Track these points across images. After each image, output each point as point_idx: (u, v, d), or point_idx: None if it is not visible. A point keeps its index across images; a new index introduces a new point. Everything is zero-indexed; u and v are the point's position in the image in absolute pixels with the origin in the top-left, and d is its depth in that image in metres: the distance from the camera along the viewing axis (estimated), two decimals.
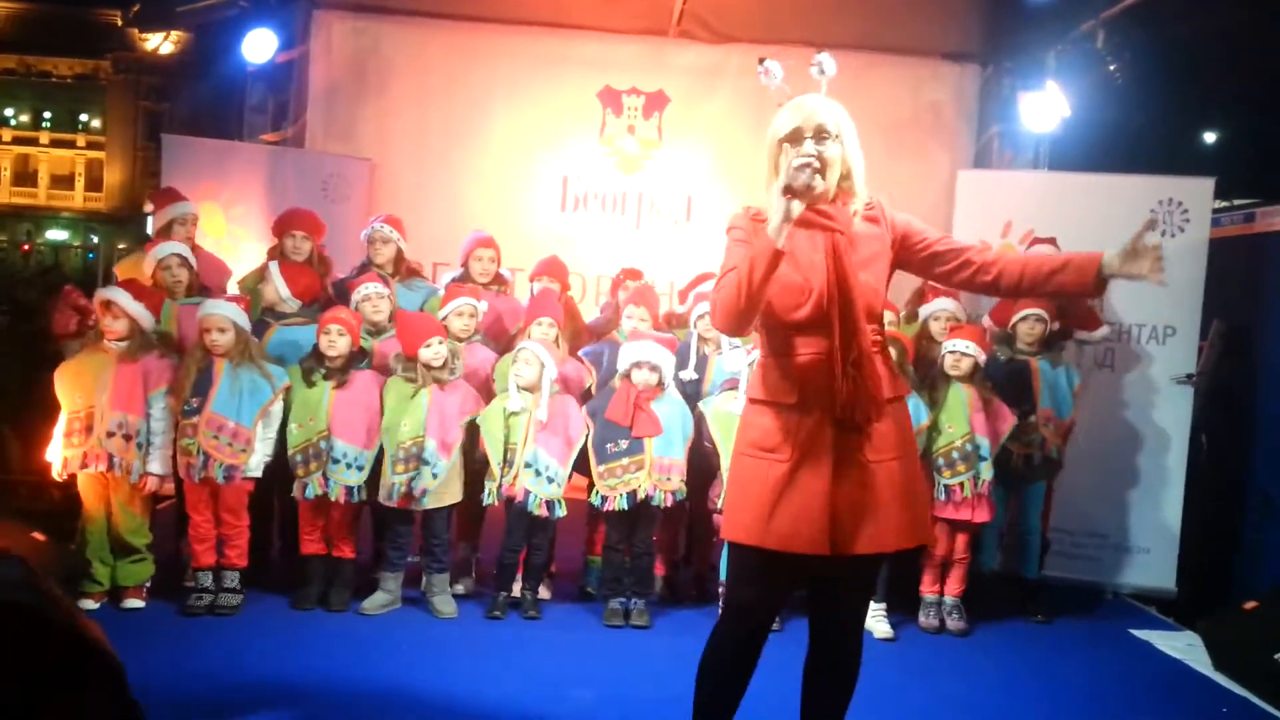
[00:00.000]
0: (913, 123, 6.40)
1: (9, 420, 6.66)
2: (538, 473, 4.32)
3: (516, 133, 6.60)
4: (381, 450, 4.34)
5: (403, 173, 6.48)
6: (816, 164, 2.33)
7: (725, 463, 4.18)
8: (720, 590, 4.38)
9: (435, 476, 4.28)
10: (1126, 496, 5.41)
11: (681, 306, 5.25)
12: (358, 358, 4.41)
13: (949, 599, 4.65)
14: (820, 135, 2.42)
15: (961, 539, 4.64)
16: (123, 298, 4.20)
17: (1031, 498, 4.95)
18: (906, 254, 2.55)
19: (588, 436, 4.38)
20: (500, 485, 4.34)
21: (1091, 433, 5.26)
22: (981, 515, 4.59)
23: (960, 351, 4.59)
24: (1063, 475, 5.08)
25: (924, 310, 5.05)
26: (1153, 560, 5.40)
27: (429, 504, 4.31)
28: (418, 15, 6.50)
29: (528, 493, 4.31)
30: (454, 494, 4.42)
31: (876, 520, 2.45)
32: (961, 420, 4.53)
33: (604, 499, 4.34)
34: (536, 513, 4.32)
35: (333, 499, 4.29)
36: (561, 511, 4.38)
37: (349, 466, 4.30)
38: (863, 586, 2.67)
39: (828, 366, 2.41)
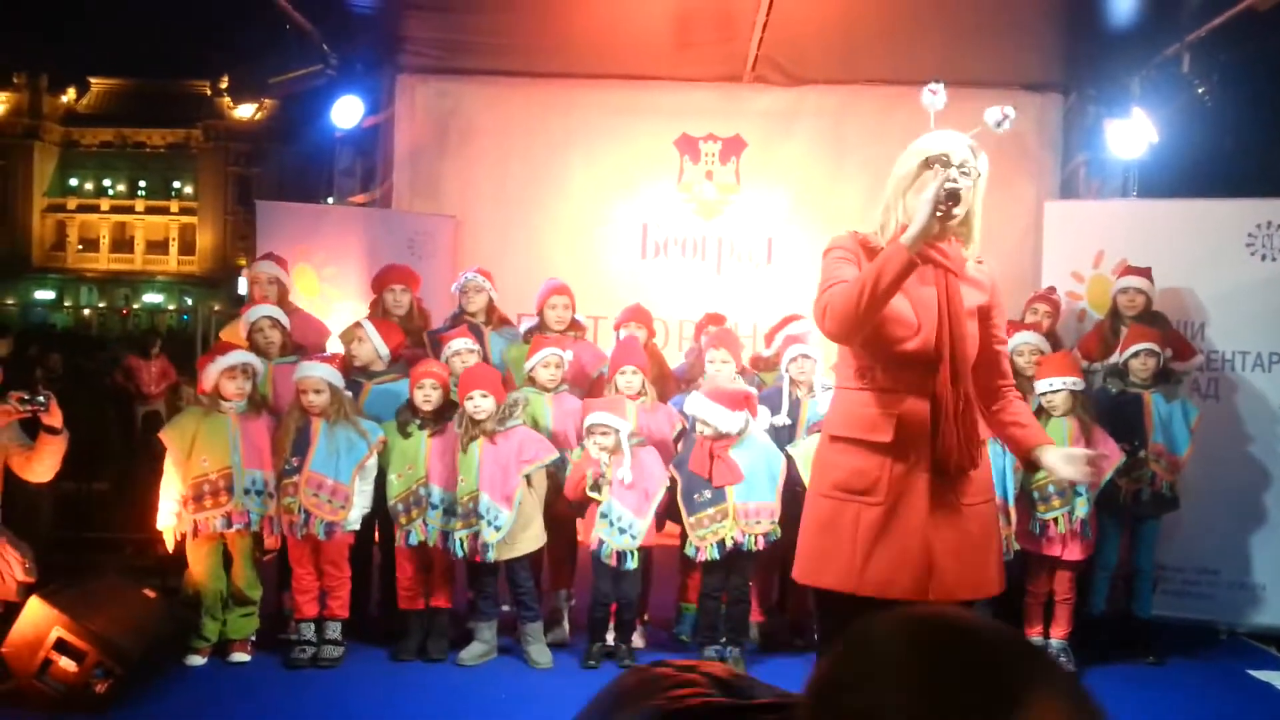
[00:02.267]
0: (996, 155, 6.17)
1: (111, 479, 6.91)
2: (611, 524, 4.32)
3: (595, 183, 6.69)
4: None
5: (485, 227, 6.60)
6: (962, 194, 2.32)
7: None
8: (818, 637, 4.31)
9: (497, 529, 4.28)
10: (1239, 530, 5.20)
11: (768, 350, 5.22)
12: (451, 408, 4.48)
13: (1055, 641, 4.51)
14: (964, 169, 2.40)
15: (1063, 578, 4.50)
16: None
17: (1144, 535, 4.78)
18: (983, 327, 2.52)
19: (677, 488, 4.36)
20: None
21: (1198, 465, 5.07)
22: (1074, 553, 4.45)
23: (1049, 392, 4.49)
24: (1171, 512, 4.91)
25: (1007, 345, 4.95)
26: (1270, 597, 5.16)
27: (496, 556, 4.32)
28: (497, 74, 6.65)
29: (601, 543, 4.32)
30: (530, 542, 4.42)
31: (973, 565, 2.39)
32: None
33: (696, 549, 4.32)
34: (607, 562, 4.32)
35: (431, 544, 4.34)
36: (633, 564, 4.36)
37: (445, 513, 4.37)
38: None
39: (931, 408, 2.37)
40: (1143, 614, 4.78)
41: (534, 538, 4.45)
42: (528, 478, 4.38)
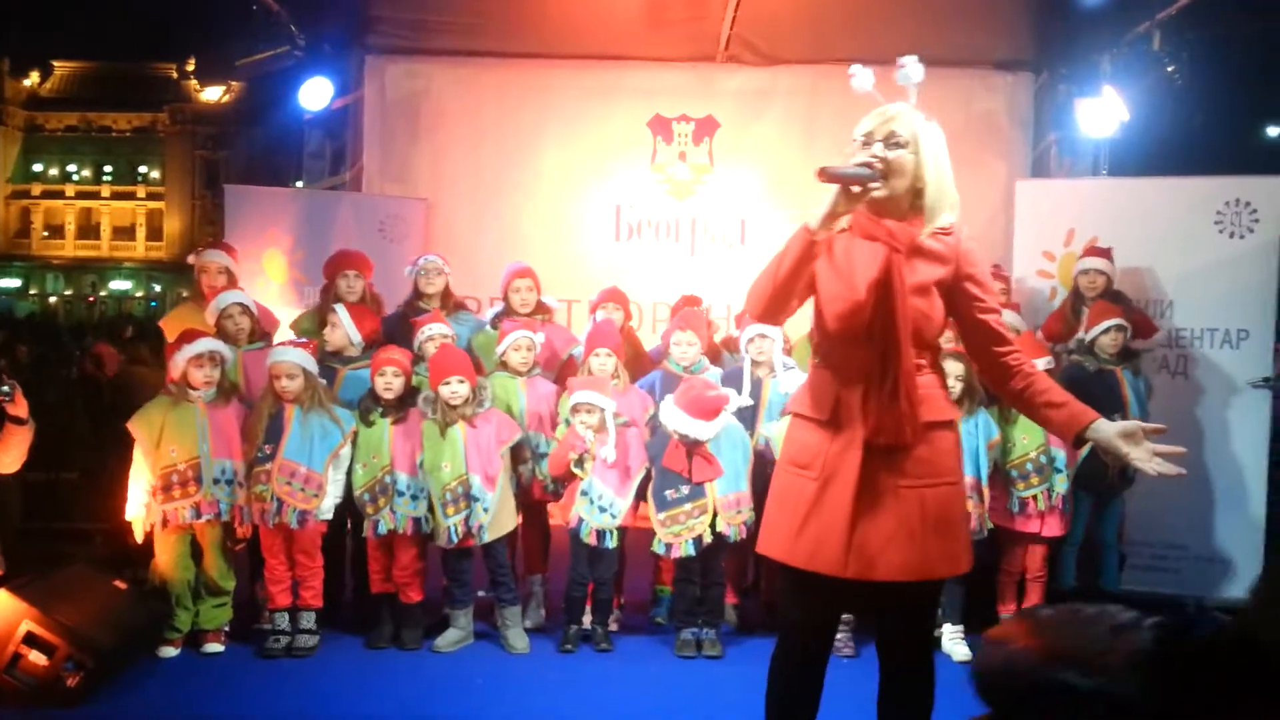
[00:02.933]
0: (966, 134, 6.32)
1: (80, 469, 6.82)
2: (591, 501, 4.32)
3: (568, 165, 6.65)
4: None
5: (458, 210, 6.55)
6: (878, 166, 2.30)
7: None
8: None
9: (486, 511, 4.29)
10: (1206, 506, 5.26)
11: (738, 331, 5.23)
12: (413, 395, 4.44)
13: None
14: (891, 141, 2.36)
15: (1037, 555, 4.54)
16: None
17: (1111, 511, 4.85)
18: (959, 299, 2.45)
19: (648, 472, 4.35)
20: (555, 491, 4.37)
21: (1167, 441, 5.10)
22: (1053, 529, 4.50)
23: None
24: (1139, 486, 4.96)
25: None
26: (1237, 570, 5.23)
27: (489, 537, 4.32)
28: (468, 55, 6.58)
29: (580, 521, 4.31)
30: (507, 523, 4.43)
31: (908, 547, 2.37)
32: (1037, 431, 4.44)
33: (668, 546, 4.29)
34: (586, 540, 4.31)
35: (400, 532, 4.31)
36: (612, 542, 4.36)
37: (412, 499, 4.34)
38: (918, 614, 2.56)
39: (864, 385, 2.38)
40: (1111, 588, 4.84)
41: (511, 517, 4.46)
42: (504, 457, 4.38)
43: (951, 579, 4.30)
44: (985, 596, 4.50)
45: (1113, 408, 4.67)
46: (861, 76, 2.51)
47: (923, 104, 2.48)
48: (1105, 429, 2.38)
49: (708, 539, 4.27)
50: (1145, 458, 2.35)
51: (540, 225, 6.57)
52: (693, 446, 4.25)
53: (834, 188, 2.30)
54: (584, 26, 6.14)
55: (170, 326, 4.88)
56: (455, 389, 4.28)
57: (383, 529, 4.32)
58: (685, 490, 4.27)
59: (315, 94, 6.30)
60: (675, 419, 4.22)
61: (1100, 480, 4.67)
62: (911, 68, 2.50)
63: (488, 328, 5.04)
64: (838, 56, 6.25)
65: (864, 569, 2.36)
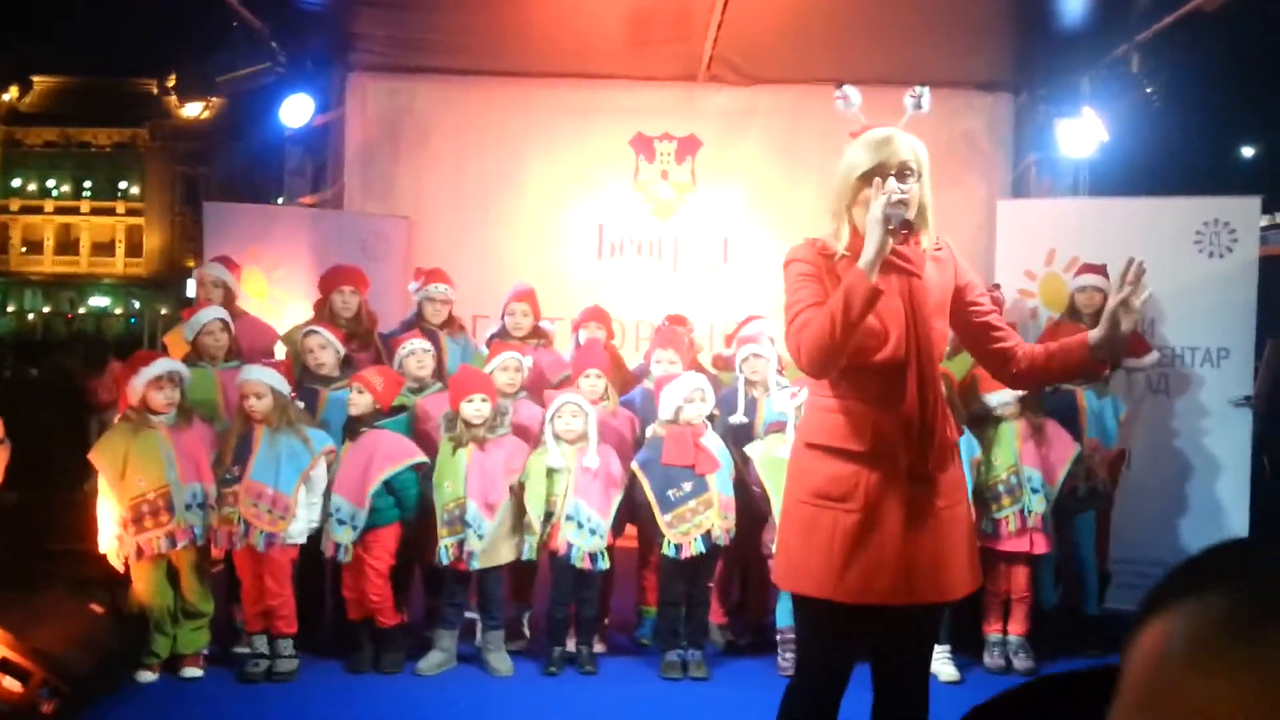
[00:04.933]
0: (947, 154, 6.35)
1: (56, 488, 6.73)
2: (579, 525, 4.27)
3: (551, 183, 6.64)
4: (429, 508, 4.32)
5: (440, 228, 6.52)
6: (909, 201, 2.29)
7: (776, 507, 4.12)
8: (778, 638, 4.31)
9: (480, 538, 4.22)
10: (1190, 523, 5.28)
11: (728, 350, 5.22)
12: (378, 415, 4.35)
13: (1014, 638, 4.54)
14: (904, 173, 2.35)
15: (1020, 575, 4.54)
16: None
17: (1082, 530, 4.85)
18: (960, 308, 2.50)
19: (645, 488, 4.32)
20: (541, 540, 4.30)
21: (1149, 460, 5.16)
22: (1039, 547, 4.50)
23: (1000, 405, 4.52)
24: (1123, 504, 4.98)
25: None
26: None
27: (478, 565, 4.26)
28: (450, 73, 6.57)
29: (570, 546, 4.27)
30: (506, 553, 4.35)
31: (949, 567, 2.40)
32: (1008, 452, 4.45)
33: (679, 547, 4.26)
34: (580, 566, 4.27)
35: (326, 555, 4.24)
36: (605, 564, 4.33)
37: (341, 523, 4.21)
38: (929, 633, 2.59)
39: (903, 414, 2.36)
40: (1089, 609, 4.84)
41: (513, 548, 4.37)
42: (511, 488, 4.32)
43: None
44: (971, 616, 4.49)
45: (1067, 428, 4.69)
46: (850, 97, 2.50)
47: (906, 126, 2.48)
48: (1097, 333, 2.36)
49: (716, 534, 4.24)
50: (1127, 313, 2.31)
51: (523, 243, 6.56)
52: (696, 435, 4.25)
53: (877, 233, 2.25)
54: (567, 45, 6.15)
55: (173, 342, 4.84)
56: (479, 407, 4.25)
57: (342, 556, 4.23)
58: (688, 487, 4.25)
59: (296, 111, 6.27)
60: (687, 382, 4.29)
61: (1066, 497, 4.68)
62: (852, 99, 2.49)
63: (481, 348, 5.02)
64: (819, 77, 6.31)
65: (922, 594, 2.37)
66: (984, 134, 6.55)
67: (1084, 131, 5.99)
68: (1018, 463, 4.45)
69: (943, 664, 4.35)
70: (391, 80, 6.61)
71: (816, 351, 2.30)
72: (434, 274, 5.14)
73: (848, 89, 2.51)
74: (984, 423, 4.55)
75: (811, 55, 6.18)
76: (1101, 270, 5.11)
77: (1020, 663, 4.48)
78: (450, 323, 5.11)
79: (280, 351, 5.07)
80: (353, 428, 4.32)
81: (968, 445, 4.35)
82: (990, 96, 6.55)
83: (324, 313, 4.95)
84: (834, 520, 2.38)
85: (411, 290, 5.13)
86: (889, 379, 2.37)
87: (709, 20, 5.62)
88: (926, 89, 2.50)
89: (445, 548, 4.22)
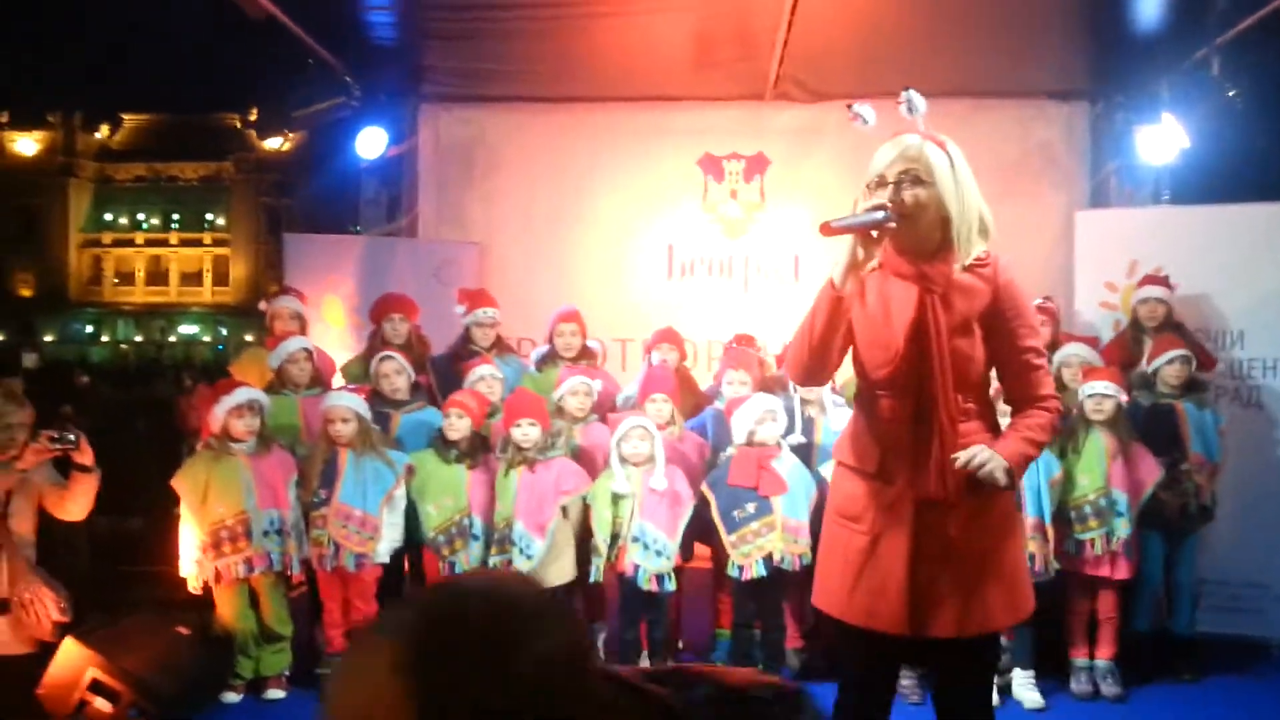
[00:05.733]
0: (1022, 165, 6.25)
1: (144, 512, 6.93)
2: (645, 546, 4.27)
3: (620, 205, 6.68)
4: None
5: (511, 253, 6.60)
6: (889, 209, 2.22)
7: None
8: None
9: (529, 559, 4.24)
10: None
11: (781, 369, 5.18)
12: (482, 438, 4.46)
13: (1101, 663, 4.40)
14: (908, 178, 2.29)
15: (1106, 598, 4.40)
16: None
17: (1183, 550, 4.68)
18: (997, 332, 2.34)
19: (712, 508, 4.31)
20: (608, 561, 4.31)
21: (1243, 475, 4.96)
22: (1120, 572, 4.35)
23: (1101, 394, 4.39)
24: (1214, 522, 4.80)
25: (1056, 357, 4.88)
26: None
27: None
28: (519, 101, 6.66)
29: (637, 568, 4.26)
30: (562, 573, 4.37)
31: (966, 601, 2.29)
32: (1097, 472, 4.33)
33: (741, 568, 4.24)
34: (646, 587, 4.26)
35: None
36: (671, 585, 4.31)
37: (487, 546, 4.35)
38: (977, 667, 2.45)
39: (906, 434, 2.29)
40: (1183, 631, 4.67)
41: (565, 570, 4.39)
42: (564, 509, 4.35)
43: (1021, 622, 4.23)
44: (1056, 639, 4.37)
45: (1171, 443, 4.55)
46: (864, 115, 2.48)
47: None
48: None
49: (778, 557, 4.20)
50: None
51: (593, 266, 6.60)
52: (762, 456, 4.22)
53: (848, 239, 2.21)
54: (633, 69, 6.18)
55: (240, 371, 4.97)
56: (526, 431, 4.30)
57: (459, 571, 4.31)
58: (751, 508, 4.23)
59: (371, 143, 6.42)
60: (758, 403, 4.27)
61: (1167, 518, 4.53)
62: (916, 100, 2.43)
63: (532, 370, 5.06)
64: (888, 90, 6.22)
65: (922, 626, 2.28)
66: (1060, 144, 6.41)
67: (1164, 138, 5.82)
68: (1107, 484, 4.32)
69: (1027, 690, 4.23)
70: (462, 110, 6.72)
71: (793, 360, 2.35)
72: (479, 298, 5.21)
73: (859, 108, 2.48)
74: (1070, 433, 4.42)
75: (879, 69, 6.09)
76: (1164, 281, 4.99)
77: (1108, 688, 4.34)
78: (499, 345, 5.16)
79: (338, 382, 5.17)
80: (469, 457, 4.41)
81: (1046, 464, 4.25)
82: (1066, 105, 6.41)
83: (376, 341, 5.05)
84: (848, 539, 2.37)
85: (459, 314, 5.19)
86: (894, 397, 2.31)
87: (774, 39, 5.60)
88: (913, 91, 2.42)
89: (493, 566, 4.26)
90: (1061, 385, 4.78)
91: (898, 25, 5.52)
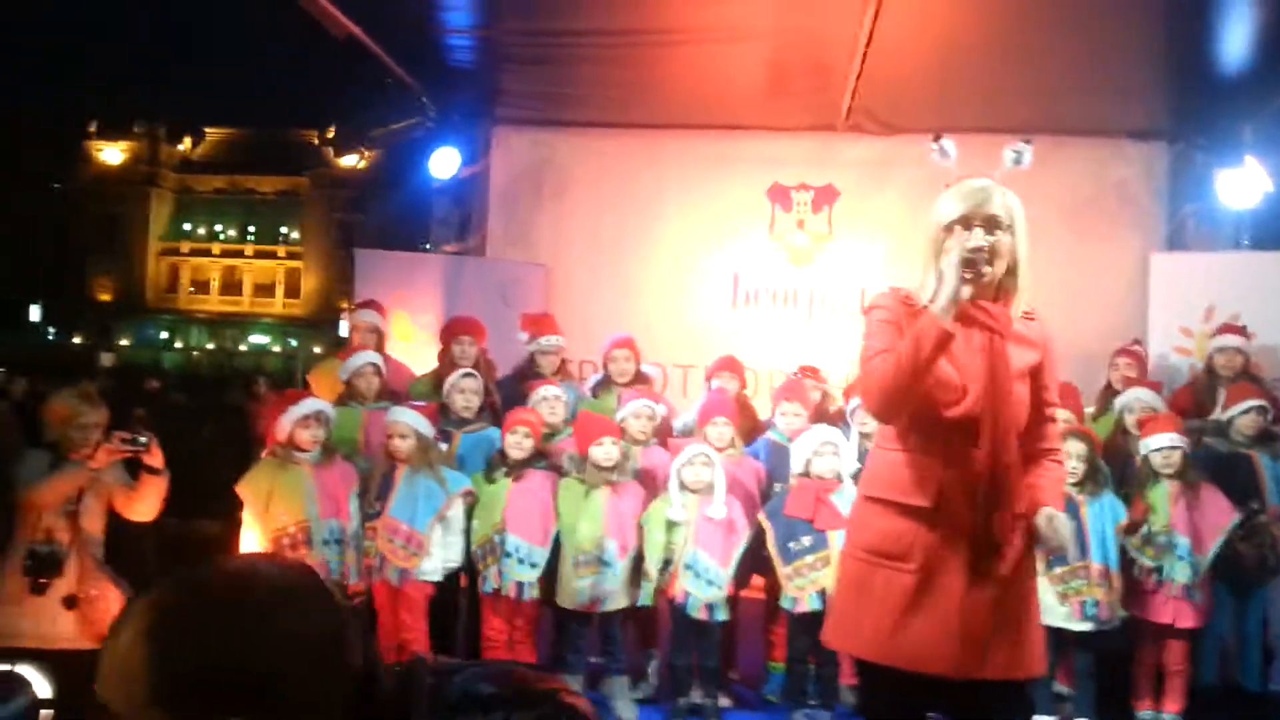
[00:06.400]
0: (1098, 205, 6.14)
1: (219, 519, 7.07)
2: (697, 575, 4.24)
3: (686, 232, 6.70)
4: (558, 551, 4.37)
5: (576, 276, 6.65)
6: (987, 253, 2.25)
7: None
8: None
9: (617, 577, 4.26)
10: None
11: (848, 405, 5.12)
12: (537, 457, 4.48)
13: (1169, 716, 4.27)
14: (991, 225, 2.31)
15: (1175, 649, 4.27)
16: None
17: (1255, 602, 4.53)
18: (1035, 383, 2.42)
19: (766, 538, 4.28)
20: (658, 587, 4.28)
21: None
22: (1186, 620, 4.22)
23: (1169, 447, 4.29)
24: None
25: (1119, 402, 4.78)
26: None
27: (610, 606, 4.29)
28: (591, 125, 6.73)
29: (688, 595, 4.24)
30: (623, 598, 4.37)
31: (1016, 642, 2.26)
32: (1161, 514, 4.22)
33: (794, 600, 4.20)
34: (696, 616, 4.23)
35: (503, 594, 4.32)
36: (722, 615, 4.28)
37: (520, 562, 4.32)
38: (1021, 712, 2.44)
39: (972, 474, 2.27)
40: (1253, 686, 4.51)
41: (628, 594, 4.38)
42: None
43: (1085, 671, 4.12)
44: (1120, 689, 4.25)
45: (1248, 493, 4.41)
46: (947, 150, 2.47)
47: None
48: (1038, 519, 2.33)
49: (830, 591, 4.15)
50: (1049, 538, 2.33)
51: (657, 292, 6.62)
52: (821, 489, 4.18)
53: (953, 274, 2.23)
54: (704, 97, 6.21)
55: (316, 381, 5.07)
56: (608, 450, 4.31)
57: (489, 587, 4.34)
58: (808, 541, 4.18)
59: (444, 163, 6.53)
60: (817, 434, 4.25)
61: (1239, 570, 4.39)
62: (948, 151, 2.45)
63: (588, 395, 5.09)
64: (964, 126, 6.18)
65: (975, 667, 2.24)
66: (1137, 184, 6.30)
67: (1246, 181, 5.69)
68: (1169, 526, 4.21)
69: None
70: (533, 133, 6.81)
71: (883, 394, 2.28)
72: (543, 324, 5.24)
73: (944, 142, 2.47)
74: (1138, 480, 4.32)
75: (955, 104, 6.06)
76: (1241, 331, 4.88)
77: None
78: (562, 371, 5.20)
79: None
80: (514, 470, 4.42)
81: (1112, 509, 4.15)
82: (1144, 145, 6.31)
83: (445, 362, 5.10)
84: (888, 579, 2.30)
85: (522, 341, 5.22)
86: (961, 436, 2.29)
87: (848, 70, 5.59)
88: (1029, 146, 2.42)
89: (582, 589, 4.25)
90: (1123, 430, 4.68)
91: (975, 60, 5.47)
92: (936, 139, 2.51)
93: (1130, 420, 4.66)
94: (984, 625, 2.25)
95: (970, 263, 2.21)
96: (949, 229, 2.33)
